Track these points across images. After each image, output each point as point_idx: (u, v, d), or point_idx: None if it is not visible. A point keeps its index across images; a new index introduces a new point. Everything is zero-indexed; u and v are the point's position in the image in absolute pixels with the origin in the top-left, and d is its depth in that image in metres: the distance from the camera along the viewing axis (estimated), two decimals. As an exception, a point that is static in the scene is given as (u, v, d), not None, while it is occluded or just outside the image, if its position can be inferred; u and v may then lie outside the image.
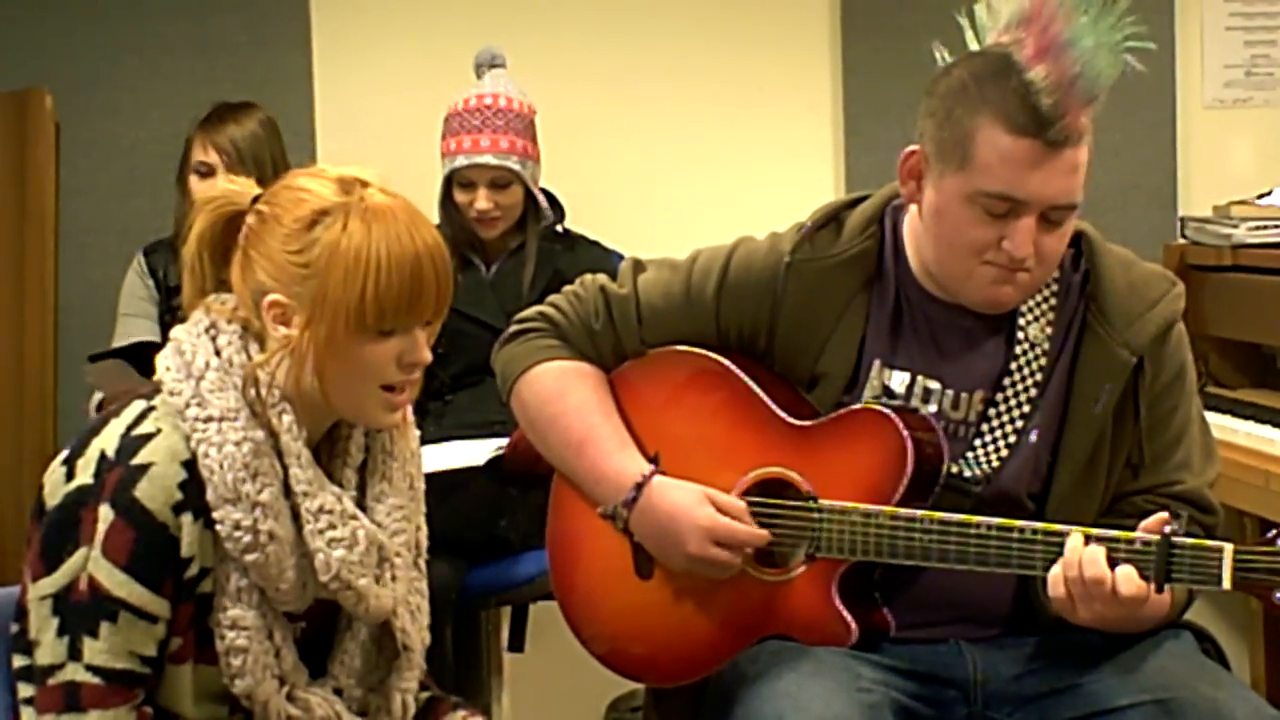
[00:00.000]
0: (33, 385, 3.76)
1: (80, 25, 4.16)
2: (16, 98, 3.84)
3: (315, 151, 4.19)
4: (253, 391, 2.03)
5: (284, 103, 4.08)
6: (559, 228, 3.84)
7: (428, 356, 2.07)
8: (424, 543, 2.24)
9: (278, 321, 2.03)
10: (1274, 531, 2.10)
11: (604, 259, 3.77)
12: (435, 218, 3.78)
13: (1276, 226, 4.01)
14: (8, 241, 3.82)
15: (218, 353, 2.05)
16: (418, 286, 2.01)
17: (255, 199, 2.08)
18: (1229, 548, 2.11)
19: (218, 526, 2.00)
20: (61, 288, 3.86)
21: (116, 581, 1.96)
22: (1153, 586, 2.14)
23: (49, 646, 1.97)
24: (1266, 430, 3.55)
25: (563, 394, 2.52)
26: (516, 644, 3.64)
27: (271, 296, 2.02)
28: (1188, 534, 2.17)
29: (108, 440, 2.01)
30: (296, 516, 2.05)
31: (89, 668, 1.96)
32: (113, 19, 4.17)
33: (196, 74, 4.15)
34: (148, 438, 2.00)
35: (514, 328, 2.62)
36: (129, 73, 4.17)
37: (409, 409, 2.20)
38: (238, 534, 2.00)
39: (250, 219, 2.07)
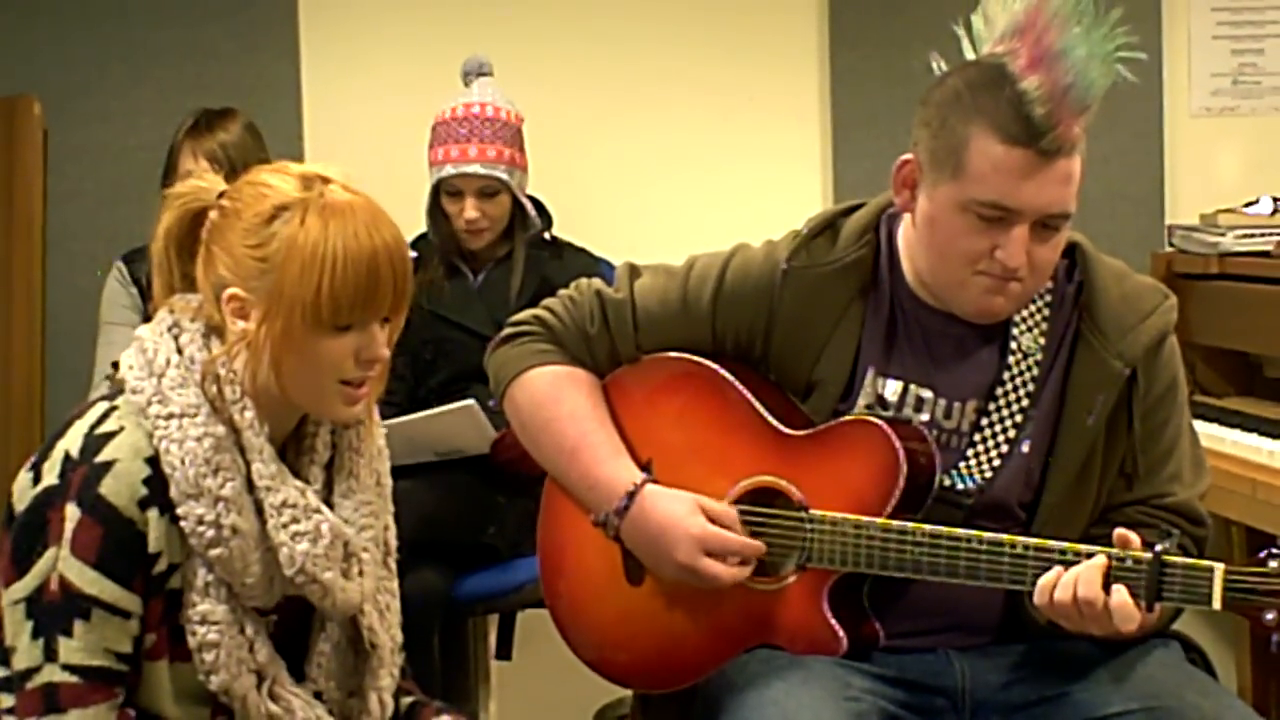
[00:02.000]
0: (20, 392, 3.75)
1: (68, 32, 4.16)
2: (4, 104, 3.83)
3: (303, 159, 4.19)
4: (213, 388, 2.04)
5: (272, 110, 4.09)
6: (546, 235, 3.84)
7: (385, 353, 2.07)
8: (393, 542, 2.25)
9: (236, 316, 2.04)
10: (1265, 551, 2.10)
11: (592, 266, 3.77)
12: (423, 226, 3.79)
13: (1263, 235, 4.01)
14: (-5, 248, 3.82)
15: (179, 350, 2.06)
16: (374, 282, 2.01)
17: (220, 194, 2.09)
18: (1219, 568, 2.11)
19: (182, 522, 2.01)
20: (49, 295, 3.84)
21: (87, 579, 1.97)
22: (1143, 604, 2.14)
23: (25, 650, 1.98)
24: (1253, 439, 3.55)
25: (556, 399, 2.52)
26: (504, 652, 3.65)
27: (230, 290, 2.03)
28: (1180, 549, 2.17)
29: (71, 441, 2.02)
30: (260, 511, 2.06)
31: (65, 667, 1.97)
32: (101, 26, 4.17)
33: (185, 81, 4.15)
34: (111, 435, 2.01)
35: (508, 330, 2.61)
36: (117, 80, 4.17)
37: (375, 409, 2.20)
38: (201, 529, 2.01)
39: (213, 214, 2.08)
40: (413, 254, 3.75)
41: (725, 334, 2.48)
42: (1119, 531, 2.19)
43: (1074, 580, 2.16)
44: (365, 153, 4.11)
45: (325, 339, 2.02)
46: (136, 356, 2.08)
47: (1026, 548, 2.23)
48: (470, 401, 3.44)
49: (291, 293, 2.00)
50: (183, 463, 2.00)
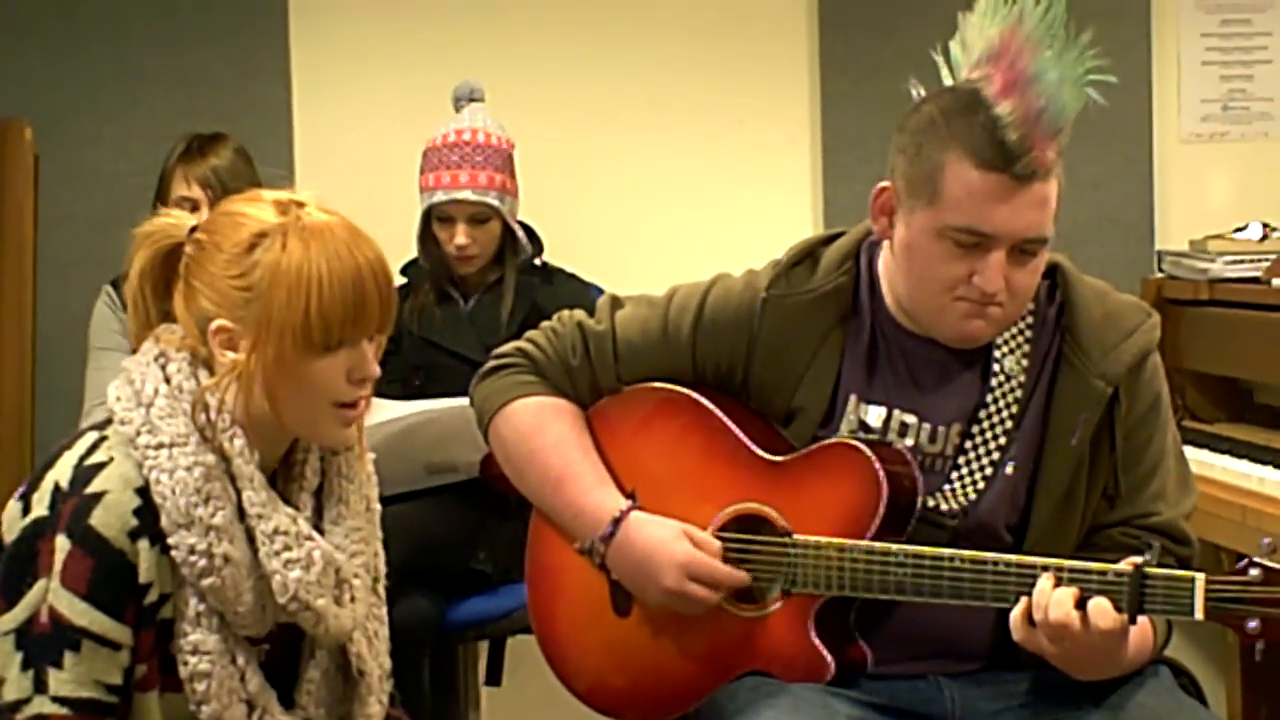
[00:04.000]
0: (10, 416, 3.76)
1: (60, 56, 4.16)
2: (-4, 129, 3.84)
3: (294, 184, 4.18)
4: (203, 417, 2.04)
5: (263, 135, 4.09)
6: (537, 261, 3.84)
7: (376, 370, 2.08)
8: (382, 569, 2.25)
9: (224, 347, 2.04)
10: (1245, 560, 2.11)
11: (582, 292, 3.77)
12: (414, 252, 3.79)
13: (1253, 261, 4.02)
14: (-14, 273, 3.82)
15: (167, 380, 2.06)
16: (360, 299, 2.02)
17: (193, 229, 2.10)
18: (1200, 577, 2.11)
19: (173, 552, 2.01)
20: (40, 319, 3.86)
21: (77, 610, 1.96)
22: (1126, 617, 2.14)
23: (14, 682, 1.97)
24: (1243, 465, 3.55)
25: (540, 430, 2.52)
26: (494, 678, 3.64)
27: (217, 323, 2.04)
28: (1161, 564, 2.17)
29: (61, 472, 2.02)
30: (252, 540, 2.05)
31: (55, 699, 1.96)
32: (93, 50, 4.18)
33: (176, 106, 4.15)
34: (100, 466, 2.01)
35: (491, 363, 2.62)
36: (109, 104, 4.18)
37: (364, 436, 2.21)
38: (193, 558, 2.01)
39: (189, 248, 2.08)
40: (402, 279, 3.81)
41: (706, 363, 2.48)
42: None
43: (1045, 603, 2.16)
44: (356, 178, 4.11)
45: (317, 361, 2.03)
46: (124, 387, 2.08)
47: (1008, 565, 2.22)
48: (465, 401, 3.43)
49: (280, 317, 2.00)
50: (173, 492, 2.00)
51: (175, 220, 2.13)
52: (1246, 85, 4.51)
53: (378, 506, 2.25)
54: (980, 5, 2.31)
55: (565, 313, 2.61)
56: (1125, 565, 2.16)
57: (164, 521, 2.00)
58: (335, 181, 4.11)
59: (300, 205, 2.06)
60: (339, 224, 2.05)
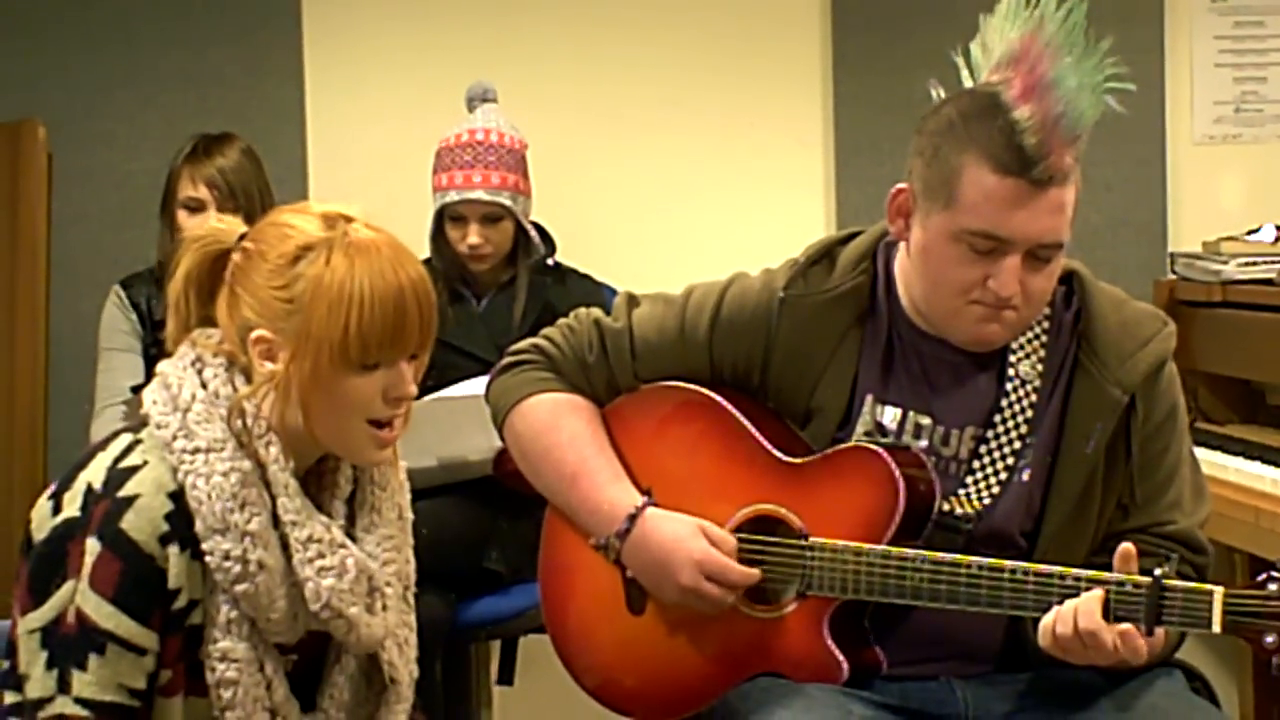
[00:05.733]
0: (23, 416, 3.76)
1: (74, 57, 4.17)
2: (10, 129, 3.85)
3: (306, 184, 4.20)
4: (239, 423, 2.04)
5: (276, 136, 4.10)
6: (550, 261, 3.85)
7: (413, 390, 2.07)
8: (412, 575, 2.25)
9: (263, 357, 2.04)
10: (1264, 575, 2.10)
11: (595, 292, 3.78)
12: (426, 252, 3.79)
13: (1266, 263, 4.01)
14: (-1, 272, 3.82)
15: (204, 385, 2.06)
16: (401, 320, 2.02)
17: (242, 236, 2.09)
18: (1219, 591, 2.11)
19: (207, 558, 2.00)
20: (53, 319, 3.85)
21: (104, 614, 1.96)
22: (1143, 629, 2.14)
23: (38, 680, 1.97)
24: (1256, 466, 3.55)
25: (556, 426, 2.53)
26: (506, 677, 3.64)
27: (257, 332, 2.03)
28: (1179, 575, 2.17)
29: (94, 473, 2.02)
30: (285, 546, 2.05)
31: (78, 700, 1.96)
32: (106, 51, 4.18)
33: (189, 106, 4.15)
34: (134, 470, 2.01)
35: (508, 359, 2.62)
36: (122, 104, 4.19)
37: (398, 445, 2.19)
38: (228, 564, 2.00)
39: (236, 256, 2.08)
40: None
41: (723, 363, 2.48)
42: (1123, 546, 2.18)
43: (1073, 613, 2.16)
44: (369, 178, 4.12)
45: (353, 378, 2.02)
46: (160, 391, 2.07)
47: (1025, 572, 2.22)
48: (480, 392, 3.43)
49: (319, 333, 1.99)
50: (209, 497, 1.99)
51: (226, 226, 2.12)
52: (1259, 87, 4.50)
53: (409, 515, 2.24)
54: (1001, 8, 2.31)
55: (582, 310, 2.61)
56: (1140, 574, 2.16)
57: (199, 526, 1.99)
58: (348, 182, 4.13)
59: (348, 220, 2.05)
60: (385, 241, 2.04)
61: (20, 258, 3.79)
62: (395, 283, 2.01)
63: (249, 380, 2.06)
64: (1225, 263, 4.06)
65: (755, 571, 2.38)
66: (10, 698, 2.03)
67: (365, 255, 2.01)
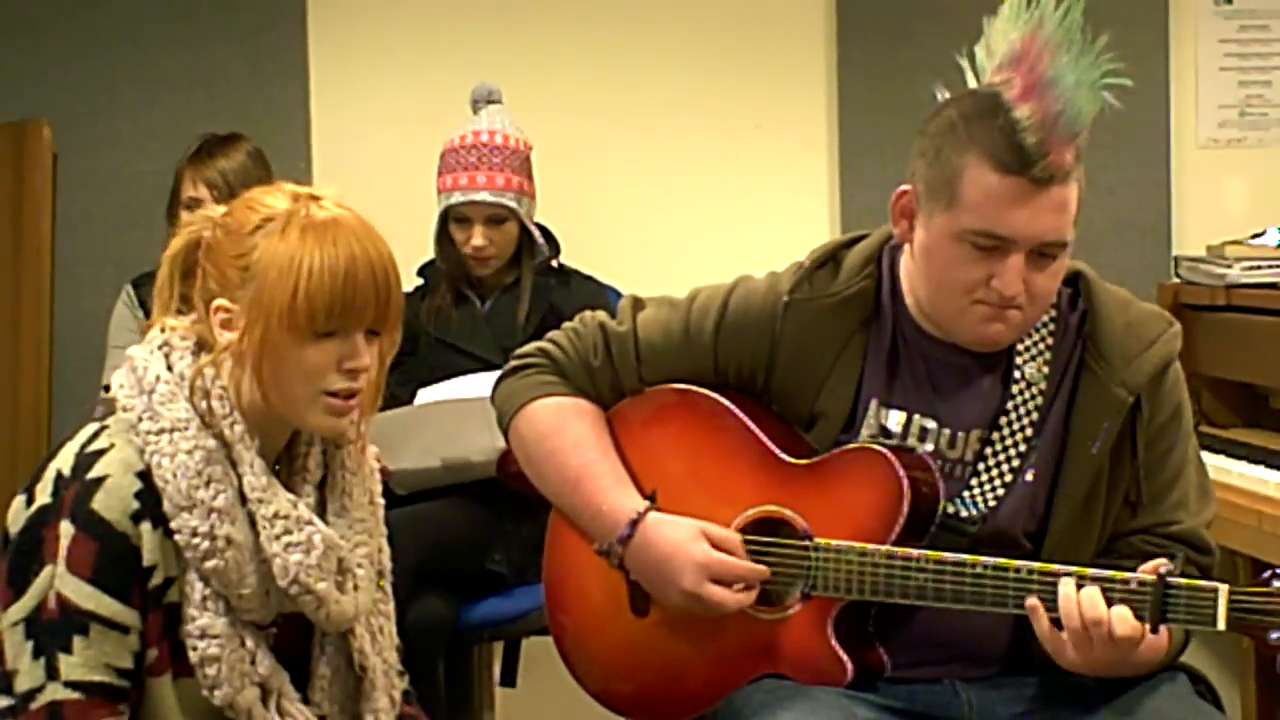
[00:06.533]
0: (27, 416, 3.77)
1: (79, 57, 4.18)
2: (14, 129, 3.86)
3: (311, 184, 4.19)
4: (203, 402, 2.05)
5: (281, 136, 4.11)
6: (554, 263, 3.85)
7: (367, 362, 2.07)
8: (387, 564, 2.26)
9: (223, 327, 2.07)
10: (1269, 572, 2.11)
11: (599, 294, 3.78)
12: (431, 253, 3.80)
13: (1270, 266, 4.02)
14: (3, 272, 3.83)
15: (169, 367, 2.08)
16: (351, 288, 2.03)
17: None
18: (1224, 588, 2.11)
19: (176, 536, 2.02)
20: (57, 319, 3.86)
21: (84, 594, 1.98)
22: (1147, 626, 2.14)
23: (27, 672, 1.99)
24: (1259, 470, 3.55)
25: (560, 429, 2.53)
26: (509, 679, 3.64)
27: (218, 302, 2.06)
28: (1183, 574, 2.17)
29: (63, 460, 2.04)
30: (253, 524, 2.07)
31: (68, 684, 1.98)
32: (111, 51, 4.19)
33: (194, 106, 4.16)
34: (101, 453, 2.03)
35: (513, 363, 2.62)
36: (127, 104, 4.19)
37: (367, 431, 2.21)
38: (196, 540, 2.02)
39: (207, 233, 2.11)
40: (419, 281, 3.81)
41: (728, 365, 2.48)
42: (1145, 566, 2.19)
43: (1075, 604, 2.16)
44: (373, 179, 4.12)
45: (306, 346, 2.03)
46: (127, 375, 2.10)
47: (1030, 571, 2.22)
48: (481, 392, 3.43)
49: (269, 298, 2.02)
50: (174, 475, 2.02)
51: (212, 212, 2.15)
52: (1264, 91, 4.51)
53: (381, 501, 2.26)
54: (1004, 10, 2.32)
55: (587, 313, 2.61)
56: (1148, 573, 2.16)
57: (166, 505, 2.02)
58: (352, 183, 4.07)
59: (315, 199, 2.07)
60: (348, 218, 2.06)
61: (25, 258, 3.80)
62: (348, 252, 2.03)
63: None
64: (1229, 266, 4.06)
65: (763, 567, 2.38)
66: (1, 702, 2.04)
67: (321, 228, 2.03)
